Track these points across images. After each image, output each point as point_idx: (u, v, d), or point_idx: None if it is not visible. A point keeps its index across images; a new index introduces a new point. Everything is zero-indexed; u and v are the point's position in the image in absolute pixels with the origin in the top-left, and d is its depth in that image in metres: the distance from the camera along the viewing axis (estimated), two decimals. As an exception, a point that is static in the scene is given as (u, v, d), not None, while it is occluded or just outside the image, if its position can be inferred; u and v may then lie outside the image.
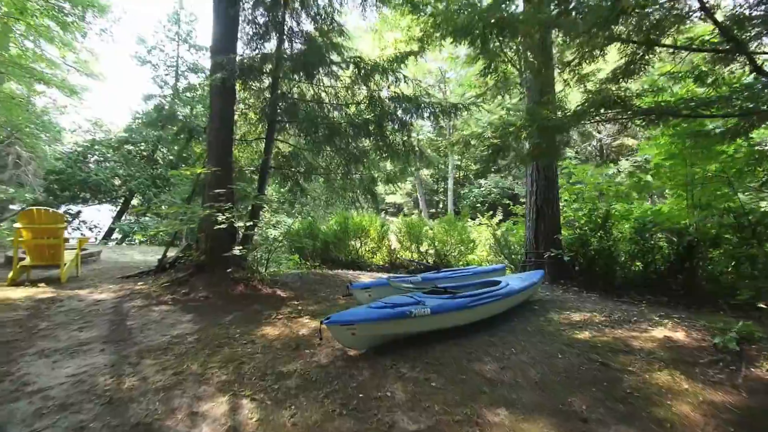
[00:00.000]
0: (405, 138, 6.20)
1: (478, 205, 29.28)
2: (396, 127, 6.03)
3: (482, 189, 29.10)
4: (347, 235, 9.78)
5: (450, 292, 3.67)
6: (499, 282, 4.29)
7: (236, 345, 3.31)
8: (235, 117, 6.48)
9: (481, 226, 10.22)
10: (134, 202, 18.95)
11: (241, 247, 4.95)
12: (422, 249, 9.56)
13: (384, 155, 6.53)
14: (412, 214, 32.21)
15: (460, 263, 9.34)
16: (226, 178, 5.62)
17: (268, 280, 5.39)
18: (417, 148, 6.21)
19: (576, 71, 5.24)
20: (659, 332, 3.55)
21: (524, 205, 6.84)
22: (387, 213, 32.42)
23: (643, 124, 4.19)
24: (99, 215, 18.77)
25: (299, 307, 4.47)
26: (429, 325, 3.26)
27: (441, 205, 33.59)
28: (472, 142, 5.27)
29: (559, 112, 5.13)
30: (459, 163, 32.24)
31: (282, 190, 7.33)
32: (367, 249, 9.92)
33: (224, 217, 4.82)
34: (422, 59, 5.98)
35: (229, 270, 5.14)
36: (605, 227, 5.96)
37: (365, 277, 6.62)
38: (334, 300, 4.94)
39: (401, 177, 7.16)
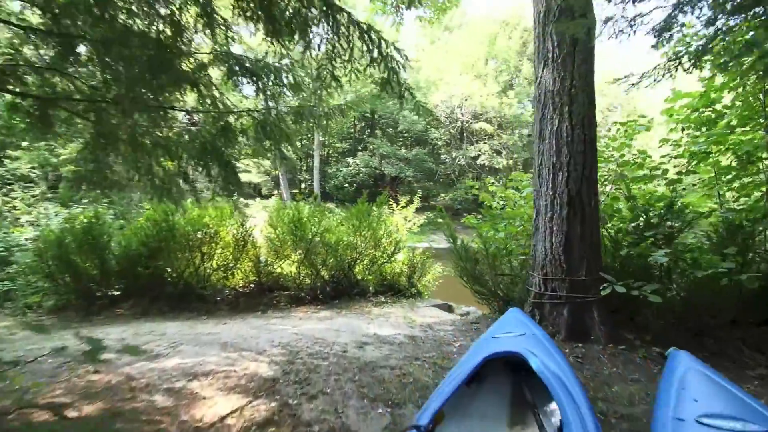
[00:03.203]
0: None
1: (346, 185, 26.24)
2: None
3: (350, 168, 26.11)
4: (173, 244, 5.13)
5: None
6: None
7: None
8: None
9: (394, 217, 6.87)
10: None
11: None
12: (316, 258, 5.62)
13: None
14: (272, 195, 27.16)
15: (371, 279, 5.80)
16: None
17: None
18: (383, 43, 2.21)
19: None
20: None
21: (533, 188, 3.66)
22: (240, 195, 26.49)
23: None
24: None
25: None
26: None
27: (304, 186, 29.45)
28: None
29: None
30: (324, 139, 28.49)
31: None
32: (215, 264, 5.45)
33: None
34: None
35: None
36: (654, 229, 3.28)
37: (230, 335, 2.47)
38: None
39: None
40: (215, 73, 3.18)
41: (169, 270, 5.38)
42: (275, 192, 27.14)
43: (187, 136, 2.94)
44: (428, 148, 27.57)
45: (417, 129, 26.04)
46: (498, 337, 2.22)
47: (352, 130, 29.54)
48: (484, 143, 25.55)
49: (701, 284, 3.20)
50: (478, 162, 25.35)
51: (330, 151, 29.50)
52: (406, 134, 27.65)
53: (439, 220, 4.71)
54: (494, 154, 24.95)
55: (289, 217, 5.29)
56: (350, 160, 26.18)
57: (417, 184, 27.02)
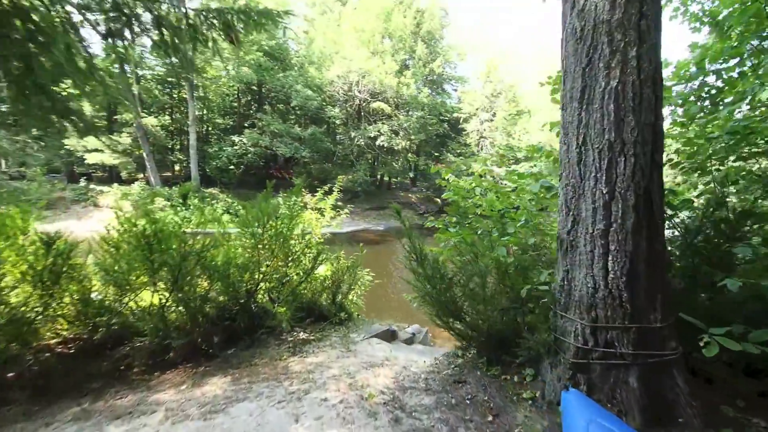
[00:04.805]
0: None
1: (231, 167, 22.60)
2: None
3: (236, 147, 22.58)
4: None
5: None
6: None
7: None
8: None
9: (309, 213, 5.06)
10: None
11: None
12: (191, 290, 3.56)
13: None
14: (136, 179, 21.98)
15: (284, 311, 4.00)
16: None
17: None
18: None
19: None
20: None
21: (562, 182, 2.36)
22: (91, 180, 20.74)
23: None
24: None
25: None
26: None
27: (179, 167, 24.70)
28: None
29: None
30: (201, 113, 24.16)
31: None
32: (-5, 318, 3.00)
33: None
34: None
35: None
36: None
37: None
38: None
39: None
40: None
41: None
42: (141, 176, 22.04)
43: None
44: (324, 127, 25.51)
45: (312, 106, 23.65)
46: None
47: (236, 105, 25.61)
48: (383, 123, 24.60)
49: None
50: (377, 143, 24.36)
51: (210, 128, 25.16)
52: (299, 111, 25.00)
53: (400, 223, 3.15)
54: (393, 135, 24.23)
55: (138, 233, 3.11)
56: (235, 138, 22.56)
57: (314, 166, 24.91)
